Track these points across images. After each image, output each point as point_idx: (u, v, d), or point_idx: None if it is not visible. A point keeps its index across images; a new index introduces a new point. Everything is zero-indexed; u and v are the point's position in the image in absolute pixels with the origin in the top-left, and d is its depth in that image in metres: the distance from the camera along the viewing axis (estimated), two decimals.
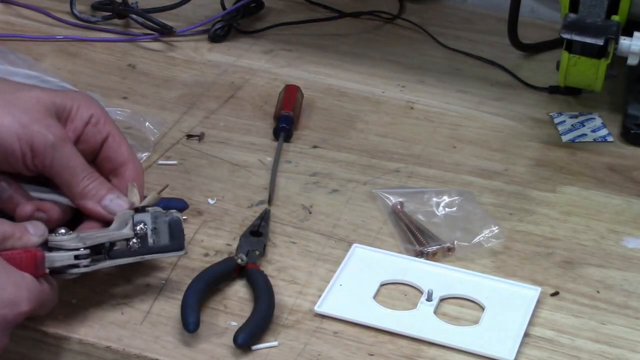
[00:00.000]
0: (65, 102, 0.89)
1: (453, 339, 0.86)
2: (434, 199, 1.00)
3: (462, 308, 0.90)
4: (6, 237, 0.82)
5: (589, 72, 1.11)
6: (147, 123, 1.09)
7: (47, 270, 0.83)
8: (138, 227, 0.87)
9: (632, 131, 1.14)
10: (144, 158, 1.06)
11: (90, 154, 0.91)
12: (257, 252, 0.93)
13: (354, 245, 0.95)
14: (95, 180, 0.88)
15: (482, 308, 0.90)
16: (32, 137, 0.85)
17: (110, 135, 0.91)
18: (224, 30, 1.31)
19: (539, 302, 0.90)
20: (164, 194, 0.96)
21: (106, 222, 0.88)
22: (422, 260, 0.94)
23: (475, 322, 0.88)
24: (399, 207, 1.00)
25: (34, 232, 0.83)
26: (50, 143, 0.85)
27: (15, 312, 0.79)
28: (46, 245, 0.84)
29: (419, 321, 0.87)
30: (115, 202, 0.88)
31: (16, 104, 0.86)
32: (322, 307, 0.88)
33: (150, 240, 0.87)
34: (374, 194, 1.02)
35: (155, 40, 1.30)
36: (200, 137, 1.11)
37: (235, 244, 0.96)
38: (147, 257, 0.87)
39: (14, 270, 0.80)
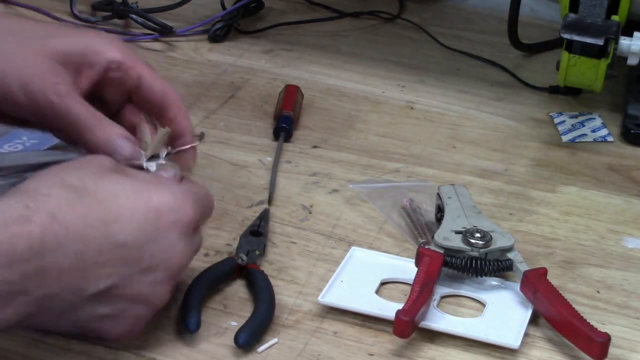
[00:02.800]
0: (79, 49, 0.87)
1: (457, 328, 0.86)
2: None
3: (464, 306, 0.90)
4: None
5: (589, 72, 1.11)
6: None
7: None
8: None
9: (632, 131, 1.14)
10: None
11: (120, 98, 0.89)
12: (257, 252, 0.93)
13: (353, 247, 0.95)
14: (105, 126, 0.85)
15: (484, 305, 0.90)
16: (35, 94, 0.84)
17: (142, 78, 0.88)
18: (224, 30, 1.31)
19: None
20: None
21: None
22: None
23: (478, 316, 0.88)
24: (408, 204, 1.00)
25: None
26: (49, 101, 0.84)
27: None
28: None
29: None
30: (122, 145, 0.85)
31: (22, 56, 0.86)
32: (325, 297, 0.88)
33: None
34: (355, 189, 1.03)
35: (155, 40, 1.30)
36: (200, 137, 1.11)
37: (235, 244, 0.95)
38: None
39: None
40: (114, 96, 0.89)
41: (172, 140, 0.89)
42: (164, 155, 0.87)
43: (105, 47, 0.88)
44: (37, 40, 0.87)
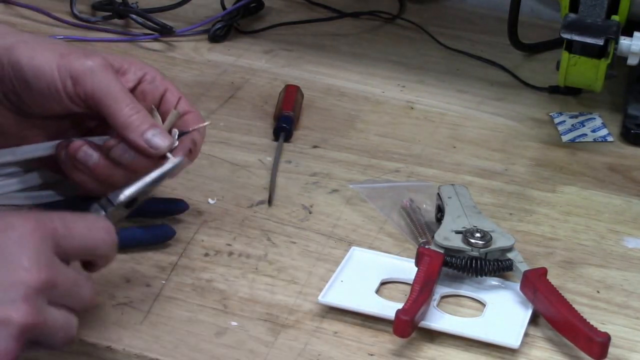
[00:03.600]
0: (115, 60, 0.90)
1: (457, 328, 0.86)
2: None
3: (464, 306, 0.90)
4: None
5: (589, 72, 1.11)
6: None
7: None
8: None
9: (632, 131, 1.14)
10: None
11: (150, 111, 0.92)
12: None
13: (353, 247, 0.95)
14: (138, 112, 0.87)
15: (484, 305, 0.90)
16: (71, 64, 0.86)
17: (167, 91, 0.91)
18: (224, 30, 1.31)
19: None
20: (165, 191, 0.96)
21: (148, 156, 0.87)
22: None
23: (478, 316, 0.88)
24: (408, 204, 1.00)
25: None
26: (88, 67, 0.86)
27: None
28: None
29: None
30: (158, 137, 0.87)
31: (60, 43, 0.88)
32: (326, 297, 0.88)
33: None
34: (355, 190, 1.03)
35: (155, 40, 1.30)
36: None
37: (235, 244, 0.96)
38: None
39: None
40: None
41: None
42: (176, 137, 0.89)
43: (141, 63, 0.92)
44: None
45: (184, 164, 0.89)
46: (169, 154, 0.88)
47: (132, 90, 0.91)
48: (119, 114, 0.87)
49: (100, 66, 0.87)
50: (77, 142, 0.89)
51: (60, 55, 0.86)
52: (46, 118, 0.91)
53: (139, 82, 0.91)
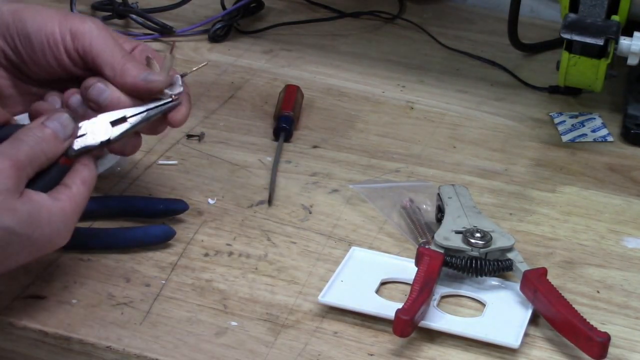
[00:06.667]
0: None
1: (457, 328, 0.86)
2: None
3: (464, 306, 0.90)
4: (33, 159, 0.83)
5: (589, 72, 1.11)
6: None
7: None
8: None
9: (632, 131, 1.14)
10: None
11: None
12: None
13: (353, 247, 0.95)
14: (132, 60, 0.91)
15: (484, 305, 0.90)
16: (72, 22, 0.91)
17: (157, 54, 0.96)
18: (224, 30, 1.31)
19: None
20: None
21: (148, 94, 0.90)
22: None
23: (478, 316, 0.88)
24: (408, 204, 1.00)
25: (63, 136, 0.85)
26: (88, 26, 0.91)
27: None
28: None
29: None
30: (152, 74, 0.90)
31: (64, 9, 0.97)
32: (326, 297, 0.88)
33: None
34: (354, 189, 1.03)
35: (155, 40, 1.30)
36: (200, 137, 1.11)
37: (235, 244, 0.96)
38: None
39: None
40: None
41: None
42: (179, 82, 0.91)
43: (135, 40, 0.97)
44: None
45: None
46: (167, 91, 0.90)
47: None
48: (115, 63, 0.90)
49: (99, 26, 0.91)
50: (71, 90, 0.91)
51: (63, 15, 0.91)
52: (42, 84, 0.92)
53: (132, 50, 0.94)
